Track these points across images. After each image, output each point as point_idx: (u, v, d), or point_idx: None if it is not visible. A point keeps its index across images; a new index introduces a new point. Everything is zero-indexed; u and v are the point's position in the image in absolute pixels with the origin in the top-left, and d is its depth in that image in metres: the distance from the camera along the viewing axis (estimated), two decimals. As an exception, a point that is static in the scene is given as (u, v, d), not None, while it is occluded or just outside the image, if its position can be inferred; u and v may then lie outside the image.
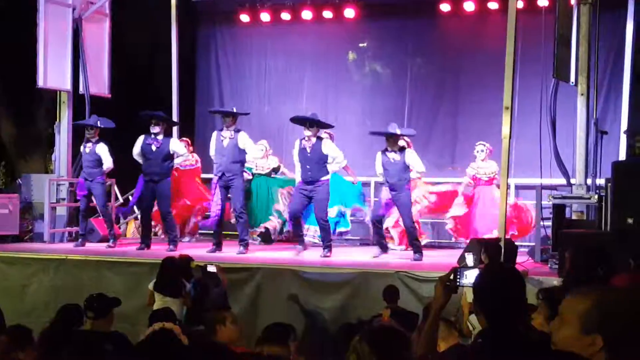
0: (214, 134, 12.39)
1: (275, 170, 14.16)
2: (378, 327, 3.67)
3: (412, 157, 11.62)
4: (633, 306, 2.90)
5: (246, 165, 12.66)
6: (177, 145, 12.70)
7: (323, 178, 11.64)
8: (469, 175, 12.85)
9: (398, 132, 11.59)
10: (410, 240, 11.77)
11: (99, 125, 12.82)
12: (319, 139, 11.81)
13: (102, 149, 12.72)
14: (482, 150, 12.82)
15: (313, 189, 11.59)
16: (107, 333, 6.00)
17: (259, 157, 13.48)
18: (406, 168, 11.56)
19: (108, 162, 12.73)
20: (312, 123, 11.73)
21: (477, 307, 3.89)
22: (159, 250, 12.05)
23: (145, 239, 12.42)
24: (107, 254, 11.81)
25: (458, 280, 4.22)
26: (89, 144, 12.80)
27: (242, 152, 12.04)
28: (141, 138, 12.46)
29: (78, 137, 14.30)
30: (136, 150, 12.46)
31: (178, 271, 9.44)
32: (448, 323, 6.51)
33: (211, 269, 9.24)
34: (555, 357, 2.88)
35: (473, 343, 4.29)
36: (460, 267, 4.22)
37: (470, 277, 4.14)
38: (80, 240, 12.90)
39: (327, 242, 11.73)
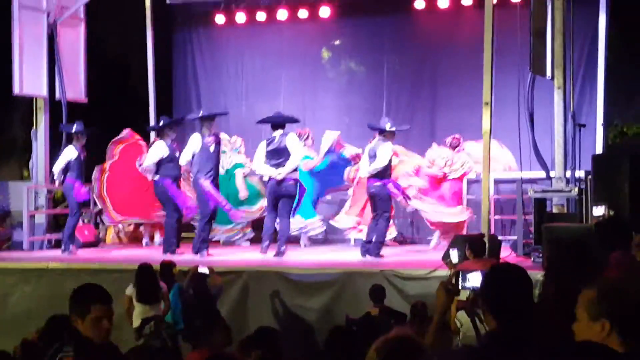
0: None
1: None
2: (394, 337, 3.62)
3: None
4: (632, 287, 3.14)
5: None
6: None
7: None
8: (439, 166, 12.90)
9: (389, 127, 11.60)
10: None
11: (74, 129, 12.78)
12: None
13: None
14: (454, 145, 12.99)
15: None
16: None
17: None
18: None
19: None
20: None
21: (485, 308, 3.88)
22: (142, 256, 12.02)
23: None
24: (89, 261, 11.74)
25: (461, 283, 4.23)
26: None
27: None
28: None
29: (54, 143, 14.26)
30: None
31: (155, 277, 9.41)
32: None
33: (202, 270, 9.23)
34: (570, 348, 2.94)
35: (482, 343, 4.28)
36: (462, 270, 4.22)
37: (473, 280, 4.15)
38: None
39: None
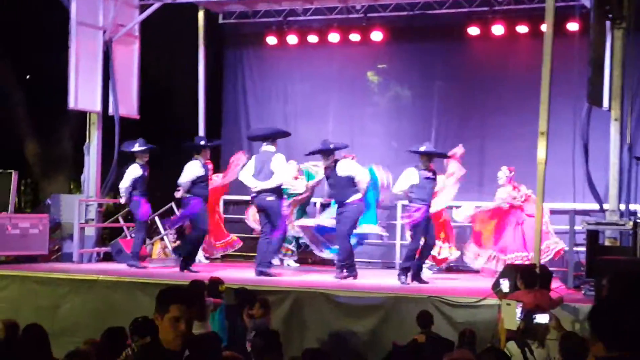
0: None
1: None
2: (458, 358, 3.59)
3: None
4: None
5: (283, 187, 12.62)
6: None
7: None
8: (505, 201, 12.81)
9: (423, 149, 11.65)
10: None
11: (136, 148, 12.92)
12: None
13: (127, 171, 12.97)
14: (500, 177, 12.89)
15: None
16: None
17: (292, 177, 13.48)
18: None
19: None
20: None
21: (597, 337, 3.76)
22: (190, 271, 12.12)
23: None
24: (138, 275, 11.82)
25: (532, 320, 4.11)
26: None
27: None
28: None
29: (105, 158, 14.41)
30: None
31: (204, 294, 9.42)
32: None
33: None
34: None
35: None
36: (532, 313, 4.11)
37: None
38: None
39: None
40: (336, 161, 11.96)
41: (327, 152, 11.98)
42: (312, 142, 15.16)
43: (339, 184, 11.84)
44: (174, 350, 4.23)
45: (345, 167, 11.91)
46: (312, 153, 12.35)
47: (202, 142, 12.83)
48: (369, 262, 14.20)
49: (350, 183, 11.82)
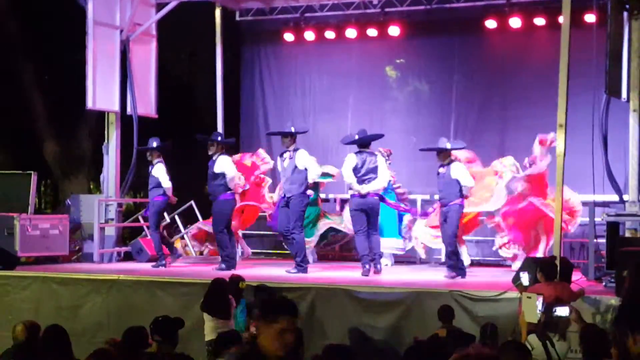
0: (278, 157, 12.47)
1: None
2: (473, 354, 3.57)
3: (458, 171, 11.56)
4: None
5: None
6: (223, 166, 12.48)
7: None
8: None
9: (448, 146, 11.60)
10: (448, 254, 11.70)
11: (154, 145, 12.89)
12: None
13: (157, 171, 12.78)
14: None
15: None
16: (173, 355, 6.00)
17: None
18: (454, 182, 11.51)
19: (165, 183, 12.73)
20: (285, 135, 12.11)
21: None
22: (211, 270, 12.14)
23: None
24: (158, 274, 11.85)
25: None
26: (150, 167, 12.93)
27: (302, 171, 11.94)
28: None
29: (124, 157, 14.47)
30: None
31: (227, 292, 9.44)
32: None
33: None
34: None
35: None
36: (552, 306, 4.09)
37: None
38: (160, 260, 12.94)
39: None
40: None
41: (286, 135, 12.04)
42: (331, 137, 15.27)
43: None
44: (275, 358, 4.21)
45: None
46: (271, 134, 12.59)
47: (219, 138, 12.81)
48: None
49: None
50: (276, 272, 12.01)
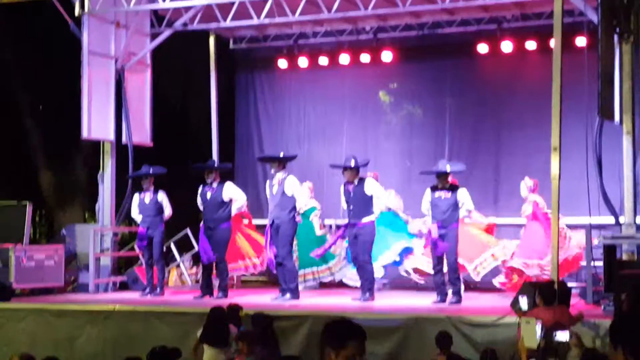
0: (267, 182, 12.47)
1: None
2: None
3: (464, 195, 11.69)
4: None
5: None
6: (231, 192, 12.58)
7: (365, 219, 11.70)
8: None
9: (447, 169, 11.68)
10: (451, 279, 11.67)
11: (151, 172, 12.92)
12: (361, 180, 11.82)
13: (163, 197, 12.90)
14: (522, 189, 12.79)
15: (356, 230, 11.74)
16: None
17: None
18: (456, 205, 11.59)
19: (168, 210, 12.89)
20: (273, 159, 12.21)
21: (617, 347, 3.68)
22: (207, 299, 12.09)
23: (206, 288, 12.41)
24: (155, 304, 11.81)
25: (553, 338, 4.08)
26: (148, 193, 12.91)
27: (291, 198, 11.95)
28: (200, 187, 12.65)
29: (120, 187, 14.45)
30: (198, 200, 12.67)
31: (226, 320, 9.40)
32: None
33: None
34: None
35: None
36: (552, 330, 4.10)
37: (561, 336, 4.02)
38: (147, 289, 12.91)
39: (368, 284, 11.76)
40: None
41: (275, 160, 12.12)
42: (326, 162, 15.26)
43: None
44: None
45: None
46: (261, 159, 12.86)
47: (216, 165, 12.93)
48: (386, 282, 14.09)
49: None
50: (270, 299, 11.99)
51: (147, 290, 12.90)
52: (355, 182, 11.81)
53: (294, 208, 11.94)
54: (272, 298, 11.90)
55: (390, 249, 13.11)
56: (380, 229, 12.37)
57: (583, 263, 12.25)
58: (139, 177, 13.14)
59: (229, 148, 16.58)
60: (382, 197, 11.97)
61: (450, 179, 11.86)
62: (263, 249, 12.80)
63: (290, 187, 11.94)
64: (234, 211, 12.67)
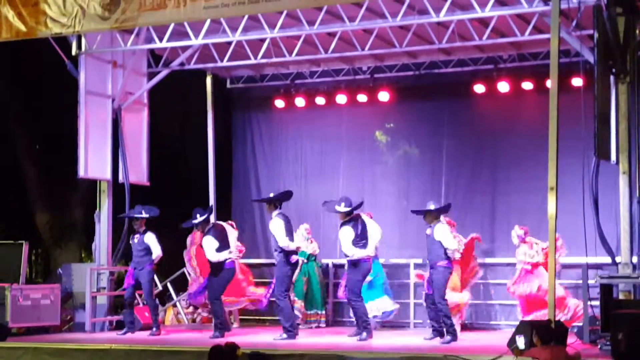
0: None
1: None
2: None
3: (440, 232, 11.67)
4: None
5: (300, 251, 12.71)
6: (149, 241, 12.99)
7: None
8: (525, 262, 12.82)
9: (432, 207, 11.81)
10: (440, 318, 11.66)
11: (143, 214, 12.96)
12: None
13: (150, 238, 12.95)
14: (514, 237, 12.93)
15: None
16: None
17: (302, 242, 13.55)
18: (439, 243, 11.58)
19: (157, 251, 12.95)
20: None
21: None
22: (204, 338, 12.03)
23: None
24: (151, 343, 11.75)
25: None
26: (137, 235, 12.95)
27: (275, 239, 12.03)
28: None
29: (116, 226, 14.45)
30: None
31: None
32: None
33: None
34: None
35: None
36: None
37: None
38: (126, 329, 12.92)
39: (362, 322, 11.84)
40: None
41: (265, 201, 12.35)
42: (323, 201, 15.29)
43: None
44: None
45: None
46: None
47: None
48: (383, 321, 14.07)
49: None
50: (268, 339, 11.99)
51: (125, 330, 12.97)
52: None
53: (280, 248, 11.98)
54: (274, 338, 11.92)
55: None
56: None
57: (574, 301, 12.36)
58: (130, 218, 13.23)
59: (226, 187, 16.61)
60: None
61: (442, 218, 11.91)
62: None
63: (271, 227, 12.06)
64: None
